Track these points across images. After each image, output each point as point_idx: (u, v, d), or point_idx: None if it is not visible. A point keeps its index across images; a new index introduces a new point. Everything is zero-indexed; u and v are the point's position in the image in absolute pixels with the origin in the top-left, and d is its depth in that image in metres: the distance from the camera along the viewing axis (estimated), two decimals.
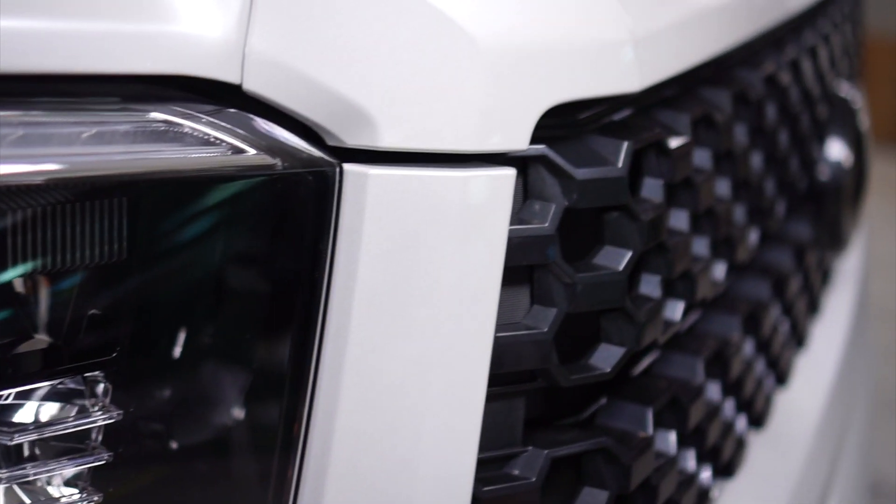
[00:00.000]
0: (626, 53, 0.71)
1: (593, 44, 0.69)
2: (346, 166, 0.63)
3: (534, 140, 0.70)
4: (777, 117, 1.01)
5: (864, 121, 1.34)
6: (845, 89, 1.30)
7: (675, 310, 0.82)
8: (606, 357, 0.74)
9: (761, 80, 0.96)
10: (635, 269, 0.78)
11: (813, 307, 1.31)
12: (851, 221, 1.34)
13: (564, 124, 0.73)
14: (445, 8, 0.64)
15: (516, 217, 0.70)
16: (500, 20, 0.66)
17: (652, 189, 0.77)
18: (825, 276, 1.36)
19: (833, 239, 1.28)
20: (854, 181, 1.31)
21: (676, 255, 0.78)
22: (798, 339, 1.21)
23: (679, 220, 0.81)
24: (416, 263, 0.64)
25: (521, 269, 0.71)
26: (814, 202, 1.24)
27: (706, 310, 0.96)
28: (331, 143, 0.64)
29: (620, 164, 0.72)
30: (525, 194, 0.71)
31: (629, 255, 0.73)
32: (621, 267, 0.72)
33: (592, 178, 0.71)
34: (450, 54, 0.64)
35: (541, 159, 0.70)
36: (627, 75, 0.72)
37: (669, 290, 0.82)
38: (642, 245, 0.74)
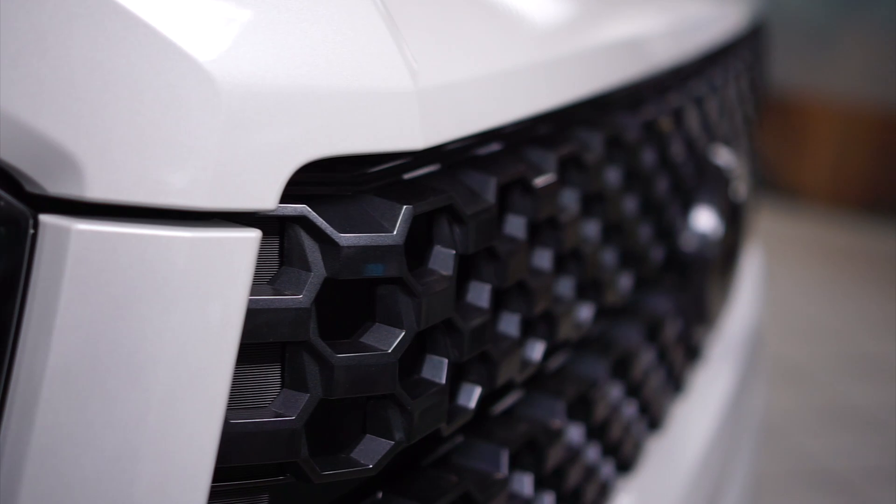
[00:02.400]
0: (405, 106, 0.62)
1: (364, 94, 0.60)
2: (44, 218, 0.53)
3: (296, 198, 0.61)
4: (620, 182, 0.92)
5: (741, 190, 1.27)
6: (721, 156, 1.23)
7: (470, 396, 0.73)
8: (370, 451, 0.64)
9: (602, 141, 0.88)
10: (420, 350, 0.69)
11: (676, 386, 1.22)
12: (720, 296, 1.26)
13: (338, 181, 0.64)
14: (179, 39, 0.55)
15: (268, 286, 0.60)
16: (248, 58, 0.56)
17: (441, 259, 0.68)
18: (692, 352, 1.27)
19: (698, 314, 1.20)
20: (724, 254, 1.23)
21: (470, 335, 0.69)
22: (652, 421, 1.12)
23: (478, 294, 0.72)
24: (126, 336, 0.54)
25: (272, 346, 0.61)
26: (676, 275, 1.16)
27: (528, 392, 0.87)
28: (30, 189, 0.54)
29: (396, 231, 0.63)
30: (282, 260, 0.62)
31: (402, 335, 0.64)
32: (391, 348, 0.63)
33: (360, 246, 0.61)
34: (181, 94, 0.54)
35: (300, 220, 0.61)
36: (408, 131, 0.63)
37: (464, 374, 0.73)
38: (420, 324, 0.64)
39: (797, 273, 4.55)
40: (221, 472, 0.59)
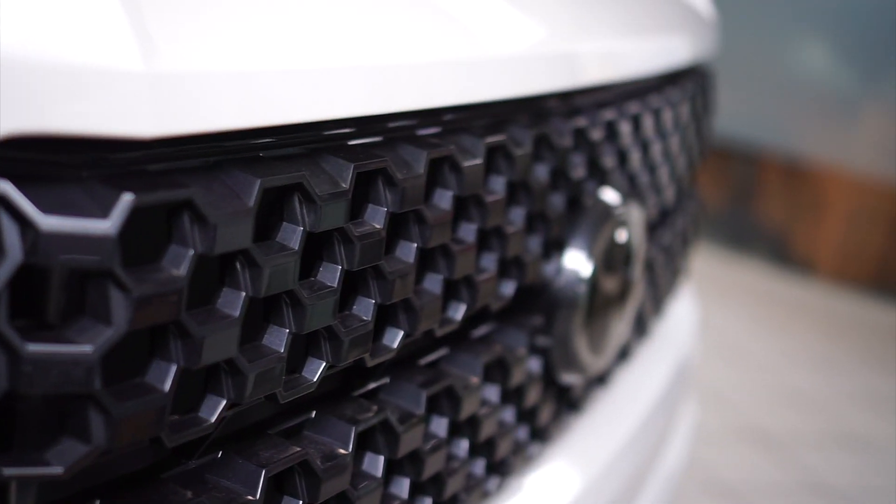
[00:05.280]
0: (132, 89, 0.58)
1: (81, 70, 0.56)
2: None
3: (7, 176, 0.57)
4: (448, 206, 0.88)
5: (627, 234, 1.22)
6: (607, 194, 1.18)
7: (212, 408, 0.68)
8: (66, 453, 0.60)
9: (425, 161, 0.83)
10: (150, 352, 0.65)
11: (539, 435, 1.17)
12: (600, 342, 1.21)
13: (68, 164, 0.60)
14: None
15: None
16: None
17: (175, 258, 0.63)
18: (565, 399, 1.22)
19: (566, 359, 1.15)
20: (606, 298, 1.18)
21: (205, 341, 0.65)
22: (497, 468, 1.07)
23: (229, 301, 0.68)
24: None
25: None
26: (540, 314, 1.11)
27: (318, 412, 0.82)
28: None
29: (110, 221, 0.59)
30: None
31: (108, 332, 0.59)
32: (94, 346, 0.59)
33: (63, 232, 0.57)
34: None
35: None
36: (135, 116, 0.59)
37: (207, 385, 0.69)
38: (132, 324, 0.60)
39: (797, 345, 4.48)
40: None
